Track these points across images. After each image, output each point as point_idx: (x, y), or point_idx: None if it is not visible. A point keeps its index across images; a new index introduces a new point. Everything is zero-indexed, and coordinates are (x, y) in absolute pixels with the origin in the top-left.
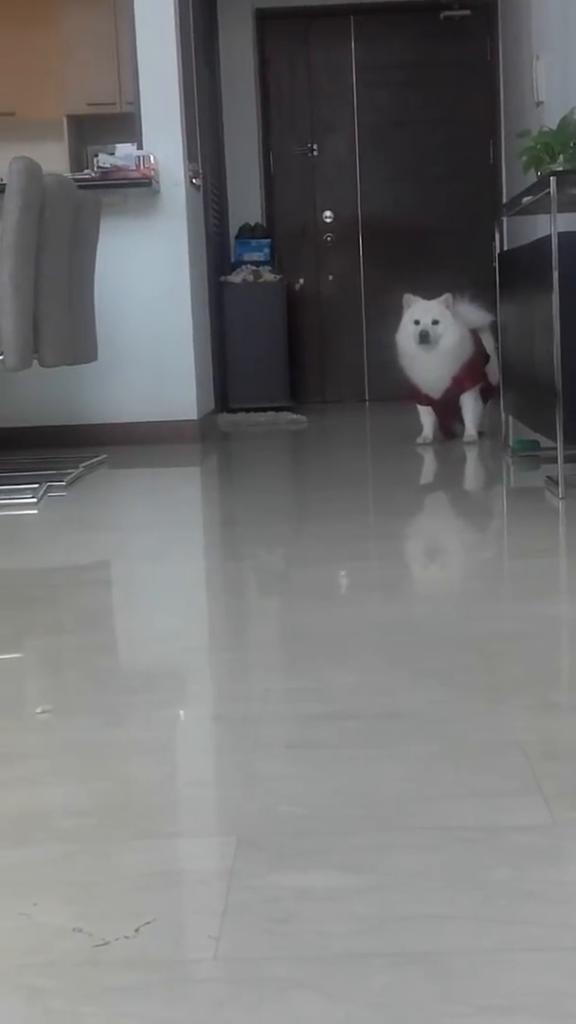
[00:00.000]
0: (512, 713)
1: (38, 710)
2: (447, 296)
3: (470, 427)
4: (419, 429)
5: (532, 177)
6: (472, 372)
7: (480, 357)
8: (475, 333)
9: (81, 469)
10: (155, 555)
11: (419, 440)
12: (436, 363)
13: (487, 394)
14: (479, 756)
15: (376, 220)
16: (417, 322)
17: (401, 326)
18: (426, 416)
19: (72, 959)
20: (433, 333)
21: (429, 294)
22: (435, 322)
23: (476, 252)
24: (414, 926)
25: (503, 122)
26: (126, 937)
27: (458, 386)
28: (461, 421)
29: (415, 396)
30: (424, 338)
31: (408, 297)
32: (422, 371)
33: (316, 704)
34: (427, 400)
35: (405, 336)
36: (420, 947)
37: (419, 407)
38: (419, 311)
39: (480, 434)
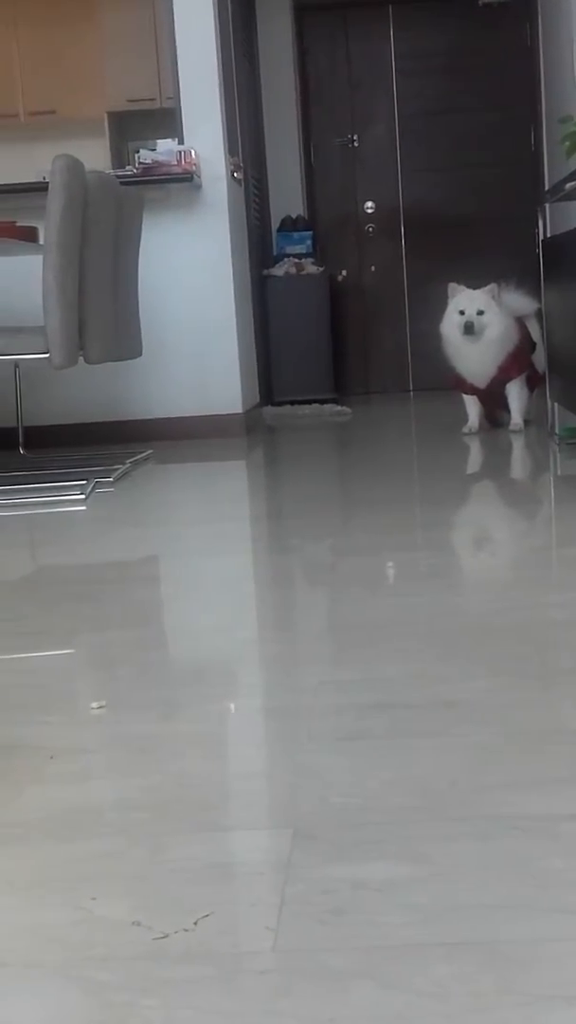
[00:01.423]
0: (565, 701)
1: (93, 705)
2: (492, 286)
3: (516, 416)
4: (464, 419)
5: (575, 163)
6: (518, 361)
7: (526, 345)
8: (521, 321)
9: (128, 465)
10: (203, 549)
11: (465, 430)
12: (481, 353)
13: (533, 382)
14: (533, 744)
15: (418, 210)
16: (462, 312)
17: (446, 316)
18: (471, 405)
19: (131, 952)
20: (478, 324)
21: (474, 283)
22: (480, 312)
23: (519, 239)
24: (471, 916)
25: (544, 107)
26: (185, 930)
27: (504, 375)
28: (507, 410)
29: (460, 385)
30: (469, 329)
31: (453, 286)
32: (467, 361)
33: (368, 694)
34: (472, 390)
35: (450, 326)
36: (478, 937)
37: (464, 396)
38: (464, 301)
39: (526, 423)
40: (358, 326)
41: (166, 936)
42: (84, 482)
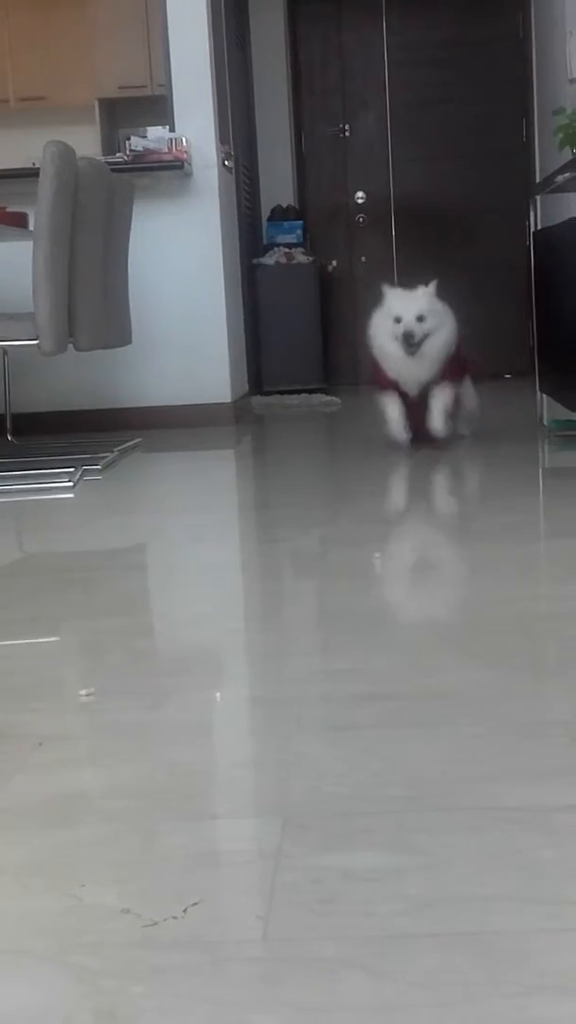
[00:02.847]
0: (556, 693)
1: (82, 693)
2: (433, 284)
3: (437, 417)
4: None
5: (567, 155)
6: (457, 365)
7: (462, 349)
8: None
9: (116, 453)
10: (191, 538)
11: (392, 433)
12: (422, 367)
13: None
14: (524, 736)
15: (409, 200)
16: (398, 319)
17: (377, 321)
18: (393, 408)
19: (121, 939)
20: (419, 334)
21: (462, 277)
22: (420, 318)
23: (510, 231)
24: (461, 906)
25: (535, 99)
26: (174, 918)
27: (442, 379)
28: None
29: (384, 382)
30: (409, 341)
31: (387, 287)
32: (404, 373)
33: (357, 685)
34: (399, 391)
35: (383, 335)
36: (468, 927)
37: (384, 396)
38: (400, 305)
39: (460, 437)
40: (348, 316)
41: (155, 924)
42: (72, 470)
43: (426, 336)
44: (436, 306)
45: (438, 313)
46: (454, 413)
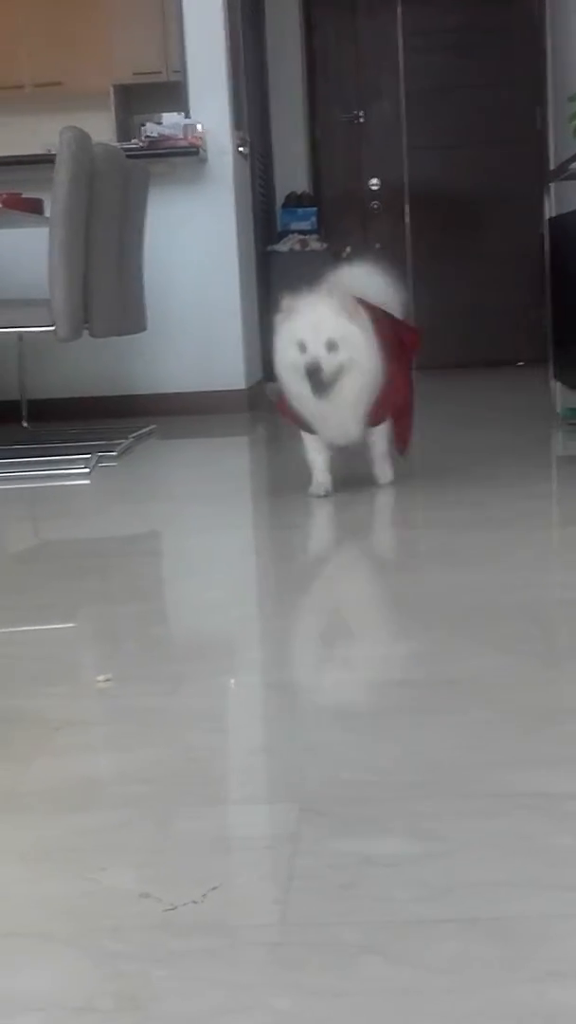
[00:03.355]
0: (570, 680)
1: (99, 679)
2: (348, 295)
3: (381, 465)
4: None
5: None
6: (390, 400)
7: (403, 366)
8: (384, 314)
9: (131, 440)
10: (206, 525)
11: (312, 490)
12: (339, 412)
13: (405, 412)
14: (539, 723)
15: (423, 187)
16: (303, 347)
17: (279, 348)
18: (315, 450)
19: (141, 923)
20: (328, 369)
21: (473, 263)
22: (332, 346)
23: (524, 218)
24: (479, 892)
25: (550, 85)
26: (194, 902)
27: (373, 420)
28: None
29: (296, 421)
30: (314, 377)
31: (288, 302)
32: (319, 420)
33: (373, 671)
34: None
35: (286, 368)
36: (486, 913)
37: (304, 435)
38: (305, 328)
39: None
40: None
41: (175, 908)
42: (88, 456)
43: (341, 370)
44: (353, 327)
45: (357, 338)
46: (402, 443)
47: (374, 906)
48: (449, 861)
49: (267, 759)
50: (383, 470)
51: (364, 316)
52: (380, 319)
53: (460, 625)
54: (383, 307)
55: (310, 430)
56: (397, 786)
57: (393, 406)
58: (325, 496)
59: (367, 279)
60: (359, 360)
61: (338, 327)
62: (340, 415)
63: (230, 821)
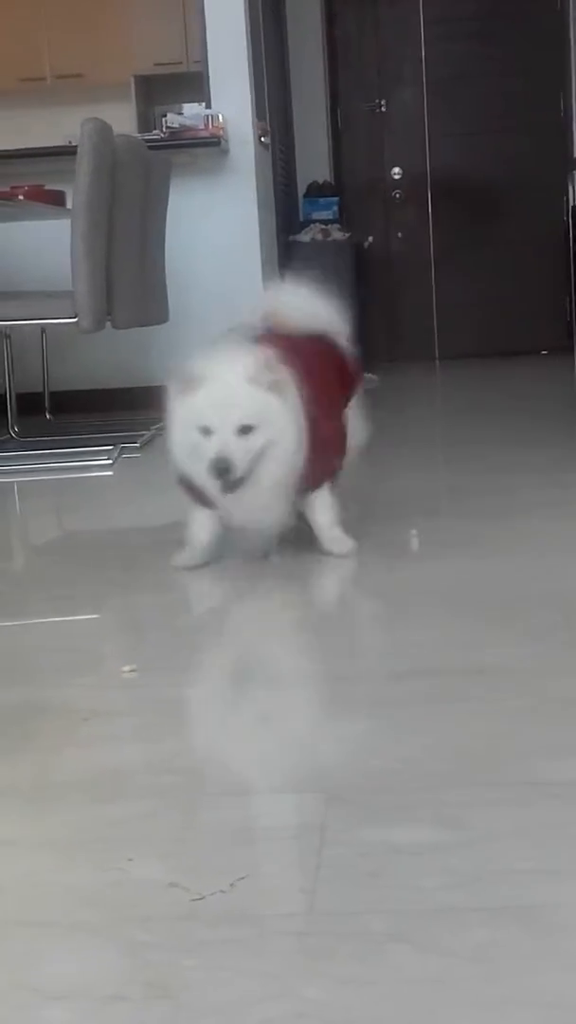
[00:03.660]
0: None
1: (125, 669)
2: (261, 356)
3: (328, 531)
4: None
5: None
6: (325, 462)
7: (335, 419)
8: (324, 341)
9: (153, 431)
10: None
11: (180, 562)
12: (256, 502)
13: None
14: (567, 711)
15: (445, 175)
16: (207, 431)
17: (177, 431)
18: (204, 528)
19: (169, 913)
20: (243, 462)
21: (498, 252)
22: (246, 430)
23: (547, 206)
24: (508, 880)
25: (573, 73)
26: (221, 892)
27: (309, 485)
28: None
29: (196, 498)
30: (223, 476)
31: (186, 371)
32: (231, 511)
33: (399, 660)
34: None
35: (186, 453)
36: (515, 901)
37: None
38: (209, 408)
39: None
40: (384, 293)
41: (203, 898)
42: (111, 448)
43: (258, 461)
44: (272, 401)
45: (277, 413)
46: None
47: (402, 895)
48: (477, 849)
49: (294, 748)
50: (334, 539)
51: (286, 377)
52: (313, 354)
53: (485, 613)
54: (320, 335)
55: (209, 506)
56: (424, 774)
57: (331, 466)
58: (194, 566)
59: (302, 305)
60: (281, 441)
61: (253, 404)
62: (256, 503)
63: (257, 811)
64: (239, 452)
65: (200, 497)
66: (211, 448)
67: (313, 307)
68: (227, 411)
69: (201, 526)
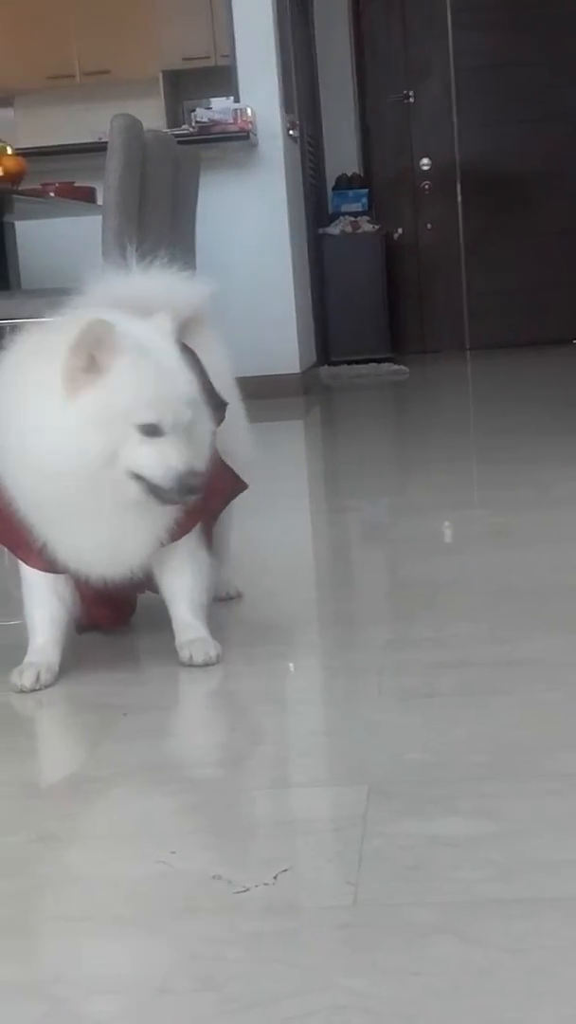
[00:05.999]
0: None
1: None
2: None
3: (187, 613)
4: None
5: None
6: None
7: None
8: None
9: None
10: (263, 509)
11: (17, 682)
12: (123, 529)
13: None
14: None
15: (474, 166)
16: (153, 430)
17: (66, 430)
18: (42, 603)
19: (213, 906)
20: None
21: (533, 241)
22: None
23: None
24: (549, 872)
25: None
26: (265, 884)
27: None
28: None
29: (32, 559)
30: (192, 493)
31: (99, 330)
32: (90, 541)
33: (436, 652)
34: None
35: (90, 468)
36: (557, 893)
37: (31, 577)
38: (159, 399)
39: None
40: (414, 284)
41: (247, 890)
42: None
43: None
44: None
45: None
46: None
47: (444, 886)
48: (518, 841)
49: (333, 741)
50: (192, 641)
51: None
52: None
53: (518, 605)
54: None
55: (51, 569)
56: (463, 767)
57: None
58: (32, 689)
59: (159, 293)
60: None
61: (193, 387)
62: (123, 530)
63: (298, 803)
64: (195, 463)
65: (43, 561)
66: (169, 455)
67: (172, 299)
68: (179, 401)
69: (42, 602)
